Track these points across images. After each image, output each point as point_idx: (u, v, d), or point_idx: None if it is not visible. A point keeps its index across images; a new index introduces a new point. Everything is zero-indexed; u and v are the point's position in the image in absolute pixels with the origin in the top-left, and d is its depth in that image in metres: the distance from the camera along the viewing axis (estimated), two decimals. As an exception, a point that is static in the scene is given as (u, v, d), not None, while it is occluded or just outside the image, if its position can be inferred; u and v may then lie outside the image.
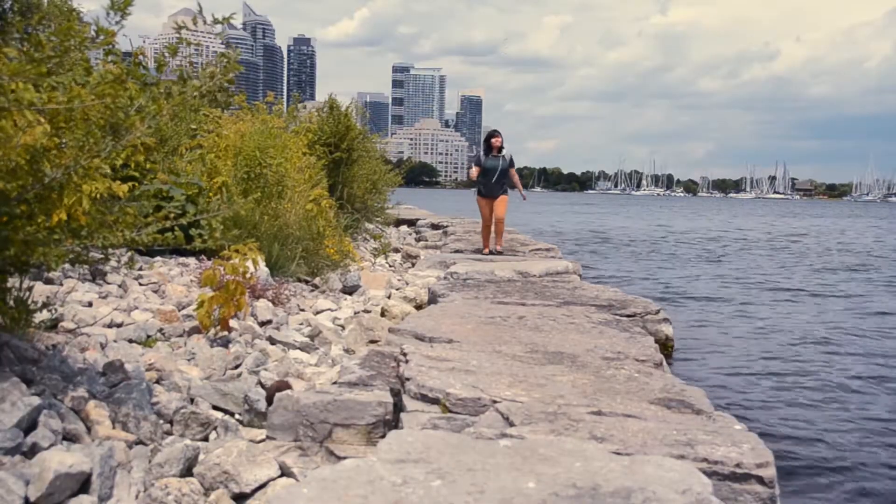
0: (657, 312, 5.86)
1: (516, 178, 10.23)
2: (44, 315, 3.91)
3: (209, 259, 6.02)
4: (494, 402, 3.17)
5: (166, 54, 3.03)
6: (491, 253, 10.14)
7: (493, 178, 9.91)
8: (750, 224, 44.56)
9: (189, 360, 4.14)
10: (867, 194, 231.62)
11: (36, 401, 2.78)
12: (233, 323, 4.78)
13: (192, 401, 3.52)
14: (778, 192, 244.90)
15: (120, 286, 5.50)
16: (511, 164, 10.13)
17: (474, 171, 10.15)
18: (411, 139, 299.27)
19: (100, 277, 5.54)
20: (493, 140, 10.04)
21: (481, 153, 10.14)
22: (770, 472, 2.57)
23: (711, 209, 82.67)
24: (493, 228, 10.27)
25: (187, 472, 2.82)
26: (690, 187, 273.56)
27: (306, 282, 7.15)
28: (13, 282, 3.43)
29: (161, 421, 3.20)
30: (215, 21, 3.11)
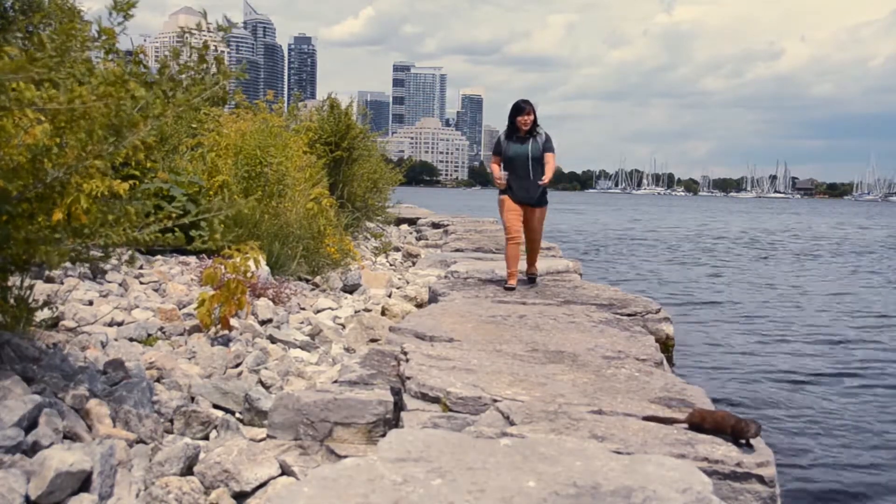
0: (658, 311, 5.86)
1: (551, 165, 6.66)
2: (45, 313, 3.91)
3: (210, 258, 6.02)
4: (495, 400, 3.17)
5: (168, 58, 3.03)
6: (527, 280, 6.99)
7: (527, 172, 6.53)
8: (751, 223, 44.53)
9: (190, 358, 4.14)
10: (868, 194, 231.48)
11: (37, 399, 2.79)
12: (233, 322, 4.78)
13: (192, 399, 3.53)
14: (778, 192, 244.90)
15: (120, 285, 5.50)
16: (548, 147, 6.62)
17: (494, 165, 6.85)
18: (412, 138, 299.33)
19: (100, 276, 5.54)
20: (519, 118, 6.56)
21: (502, 137, 6.77)
22: (770, 472, 2.57)
23: (712, 208, 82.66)
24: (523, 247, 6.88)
25: (188, 470, 2.83)
26: (691, 186, 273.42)
27: (307, 280, 7.15)
28: (14, 280, 3.44)
29: (162, 419, 3.21)
30: (219, 28, 3.11)
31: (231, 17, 3.40)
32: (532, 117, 6.59)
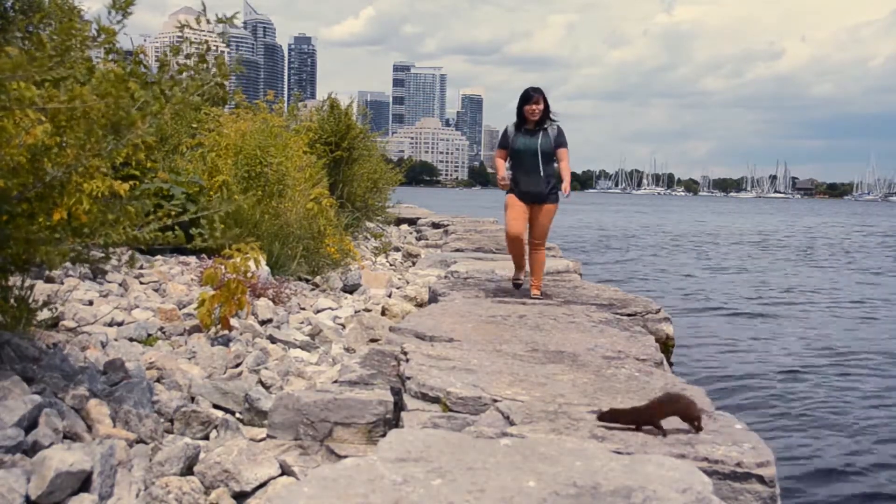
0: (658, 311, 5.85)
1: (565, 164, 6.00)
2: (45, 314, 3.91)
3: (210, 258, 6.02)
4: (495, 400, 3.17)
5: (168, 54, 3.03)
6: (525, 294, 6.16)
7: (536, 168, 5.91)
8: (751, 223, 44.53)
9: (190, 358, 4.14)
10: (868, 194, 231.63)
11: (37, 399, 2.79)
12: (233, 322, 4.78)
13: (192, 399, 3.53)
14: (778, 192, 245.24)
15: (120, 285, 5.51)
16: (560, 142, 5.96)
17: (498, 160, 6.19)
18: (412, 138, 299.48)
19: (100, 276, 5.54)
20: (526, 107, 5.93)
21: (510, 128, 6.10)
22: (770, 472, 2.57)
23: (712, 208, 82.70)
24: (526, 255, 6.18)
25: (188, 470, 2.82)
26: (691, 186, 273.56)
27: (307, 280, 7.15)
28: (14, 280, 3.44)
29: (162, 419, 3.21)
30: (219, 21, 3.11)
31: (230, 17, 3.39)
32: (542, 107, 5.92)
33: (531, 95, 5.92)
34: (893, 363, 7.79)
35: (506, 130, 6.12)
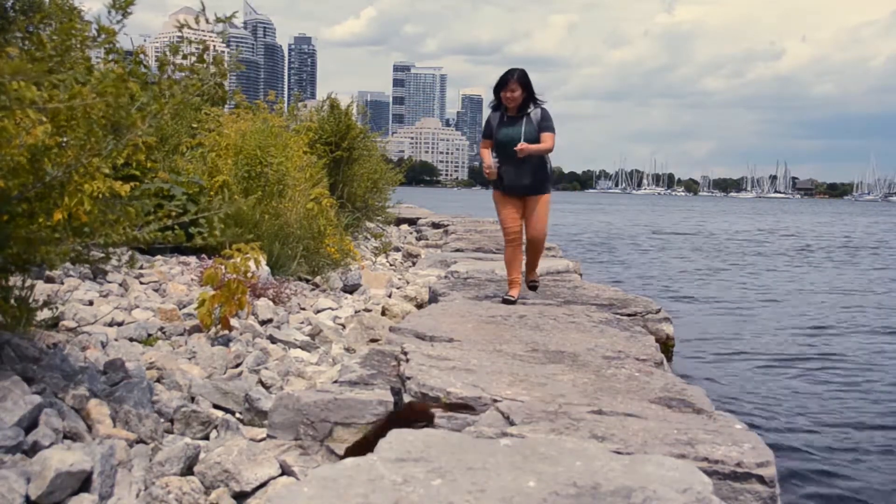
0: (658, 311, 5.86)
1: (546, 145, 5.43)
2: (45, 314, 3.91)
3: (210, 258, 6.02)
4: (495, 401, 3.17)
5: (168, 53, 3.04)
6: (529, 287, 6.01)
7: (522, 160, 5.39)
8: (751, 223, 44.55)
9: (190, 358, 4.14)
10: (868, 194, 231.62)
11: (37, 399, 2.79)
12: (234, 322, 4.78)
13: (192, 399, 3.53)
14: (778, 192, 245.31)
15: (121, 285, 5.51)
16: (545, 126, 5.43)
17: (484, 150, 5.64)
18: (412, 138, 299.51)
19: (101, 276, 5.54)
20: (502, 94, 5.45)
21: (492, 116, 5.63)
22: (771, 472, 2.57)
23: (712, 208, 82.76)
24: (524, 250, 5.83)
25: (188, 470, 2.83)
26: (691, 186, 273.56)
27: (307, 281, 7.15)
28: (15, 280, 3.44)
29: (162, 419, 3.21)
30: (217, 20, 3.11)
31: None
32: (518, 93, 5.37)
33: (506, 80, 5.41)
34: None
35: (489, 119, 5.65)
